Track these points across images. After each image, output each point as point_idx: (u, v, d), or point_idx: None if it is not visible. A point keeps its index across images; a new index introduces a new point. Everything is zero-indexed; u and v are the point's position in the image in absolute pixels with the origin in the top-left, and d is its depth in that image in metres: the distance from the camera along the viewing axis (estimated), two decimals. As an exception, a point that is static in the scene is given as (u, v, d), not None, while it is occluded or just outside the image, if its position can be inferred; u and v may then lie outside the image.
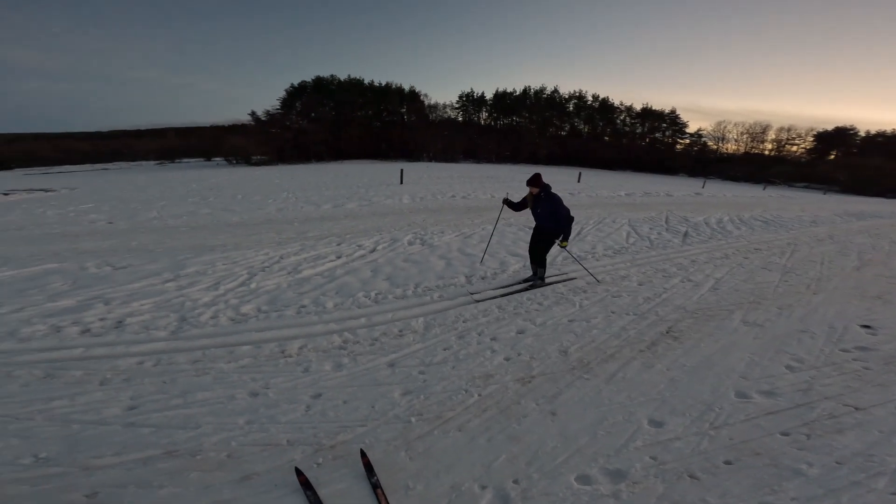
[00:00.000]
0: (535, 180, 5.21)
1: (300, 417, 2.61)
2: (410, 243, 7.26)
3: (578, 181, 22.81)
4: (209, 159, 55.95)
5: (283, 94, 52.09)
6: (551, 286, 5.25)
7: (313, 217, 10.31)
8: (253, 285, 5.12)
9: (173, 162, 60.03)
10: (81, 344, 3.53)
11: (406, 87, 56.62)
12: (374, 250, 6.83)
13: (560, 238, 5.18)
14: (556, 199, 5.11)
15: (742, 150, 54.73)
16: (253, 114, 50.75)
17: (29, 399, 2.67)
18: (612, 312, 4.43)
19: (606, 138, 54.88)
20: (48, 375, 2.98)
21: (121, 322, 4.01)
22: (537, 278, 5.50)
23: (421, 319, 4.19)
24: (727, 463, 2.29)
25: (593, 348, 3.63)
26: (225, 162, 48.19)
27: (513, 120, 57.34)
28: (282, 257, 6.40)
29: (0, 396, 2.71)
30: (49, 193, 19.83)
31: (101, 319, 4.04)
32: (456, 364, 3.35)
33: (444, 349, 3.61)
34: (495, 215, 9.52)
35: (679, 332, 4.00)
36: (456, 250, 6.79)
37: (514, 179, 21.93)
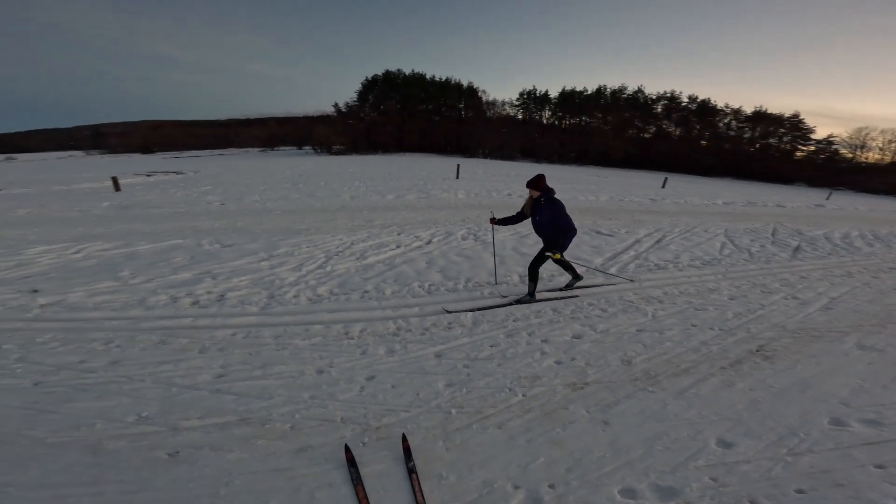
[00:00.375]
0: (536, 182, 4.50)
1: (354, 397, 2.72)
2: (464, 238, 7.17)
3: (663, 186, 20.48)
4: (300, 147, 60.48)
5: (359, 86, 54.18)
6: (617, 294, 4.82)
7: (379, 206, 10.64)
8: (328, 268, 5.44)
9: (273, 149, 66.04)
10: (191, 314, 4.01)
11: (465, 83, 55.73)
12: (429, 242, 6.87)
13: (554, 250, 4.49)
14: (558, 206, 4.45)
15: (888, 160, 44.76)
16: (336, 105, 53.54)
17: (144, 362, 3.08)
18: (693, 325, 4.00)
19: (703, 142, 48.51)
20: (162, 341, 3.42)
21: (223, 296, 4.51)
22: (527, 294, 4.72)
23: (470, 314, 4.11)
24: (799, 492, 1.99)
25: (664, 361, 3.30)
26: (312, 150, 51.86)
27: (581, 120, 53.22)
28: (352, 243, 6.71)
29: (123, 359, 3.13)
30: (179, 176, 22.87)
31: (208, 293, 4.58)
32: (502, 362, 3.26)
33: (491, 346, 3.53)
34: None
35: (772, 352, 3.51)
36: (510, 249, 6.57)
37: (578, 181, 20.67)
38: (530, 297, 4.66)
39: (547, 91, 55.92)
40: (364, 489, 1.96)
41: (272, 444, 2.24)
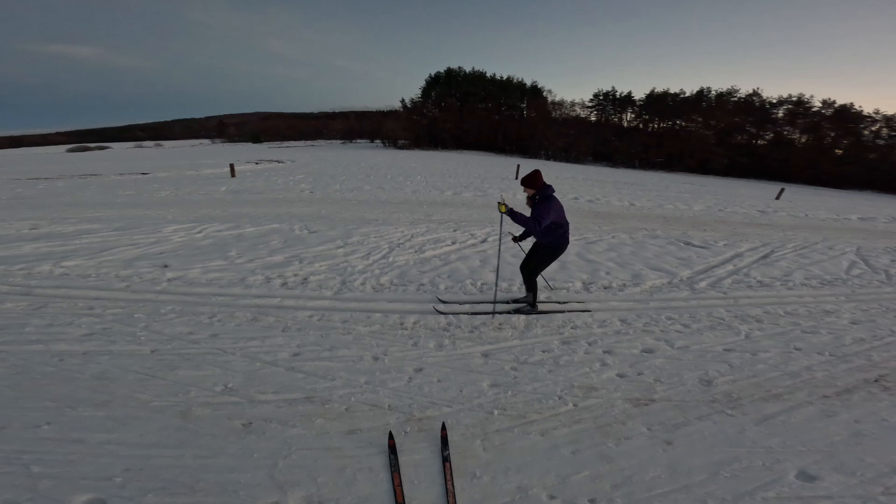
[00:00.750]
0: (530, 180, 3.87)
1: (402, 387, 2.80)
2: None
3: (777, 198, 17.46)
4: (373, 141, 62.93)
5: (423, 83, 53.93)
6: (705, 310, 4.34)
7: (437, 202, 10.65)
8: (390, 259, 5.62)
9: (352, 142, 69.53)
10: (279, 294, 4.39)
11: (528, 82, 52.99)
12: (484, 241, 6.71)
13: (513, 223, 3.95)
14: (547, 203, 3.77)
15: None
16: (402, 101, 54.43)
17: (237, 337, 3.43)
18: (797, 349, 3.54)
19: (838, 151, 40.16)
20: (254, 318, 3.79)
21: (306, 279, 4.90)
22: (525, 303, 4.21)
23: (522, 317, 3.98)
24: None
25: (751, 384, 2.98)
26: (382, 144, 53.71)
27: (675, 123, 46.91)
28: (412, 236, 6.83)
29: (221, 332, 3.51)
30: (279, 164, 25.07)
31: (295, 275, 4.99)
32: (554, 368, 3.13)
33: (543, 351, 3.39)
34: (631, 224, 8.38)
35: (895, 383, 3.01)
36: (574, 255, 6.17)
37: (665, 188, 18.48)
38: (531, 307, 4.15)
39: (630, 92, 50.74)
40: (400, 477, 2.01)
41: (328, 424, 2.39)
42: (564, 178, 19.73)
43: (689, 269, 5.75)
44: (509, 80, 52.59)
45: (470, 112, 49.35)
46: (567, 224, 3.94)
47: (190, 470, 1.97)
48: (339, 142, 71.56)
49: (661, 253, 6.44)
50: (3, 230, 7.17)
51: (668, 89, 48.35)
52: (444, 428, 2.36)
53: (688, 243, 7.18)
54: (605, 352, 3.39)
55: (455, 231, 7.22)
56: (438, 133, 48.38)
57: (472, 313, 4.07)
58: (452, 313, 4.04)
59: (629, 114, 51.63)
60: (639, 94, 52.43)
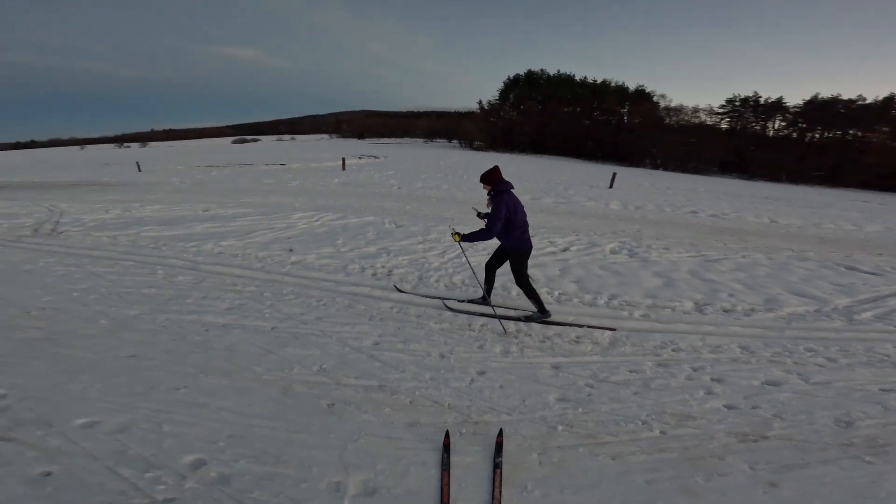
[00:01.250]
0: (487, 176, 3.68)
1: (464, 387, 2.85)
2: (614, 252, 6.26)
3: None
4: (450, 140, 62.62)
5: (501, 85, 51.47)
6: (863, 343, 3.65)
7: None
8: (463, 259, 5.63)
9: (432, 141, 70.18)
10: (370, 284, 4.75)
11: (631, 86, 47.33)
12: (566, 250, 6.27)
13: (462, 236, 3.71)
14: (500, 198, 3.58)
15: None
16: (480, 103, 52.77)
17: (335, 321, 3.79)
18: None
19: None
20: (349, 305, 4.17)
21: (391, 272, 5.18)
22: (537, 312, 3.91)
23: (608, 333, 3.69)
24: None
25: None
26: (458, 145, 53.16)
27: (846, 133, 37.80)
28: None
29: (324, 316, 3.89)
30: (376, 160, 26.62)
31: (383, 267, 5.33)
32: (642, 391, 2.86)
33: (631, 371, 3.11)
34: (771, 243, 7.24)
35: None
36: (686, 272, 5.44)
37: (829, 206, 14.94)
38: (540, 314, 3.92)
39: (781, 98, 42.62)
40: (449, 476, 2.07)
41: (394, 414, 2.54)
42: (679, 190, 16.95)
43: (848, 296, 4.77)
44: (604, 83, 47.92)
45: (553, 116, 45.82)
46: (525, 225, 3.76)
47: (279, 442, 2.27)
48: (422, 140, 73.55)
49: (810, 277, 5.41)
50: (185, 211, 8.97)
51: (839, 94, 39.30)
52: (500, 434, 2.34)
53: (852, 268, 5.92)
54: (713, 379, 3.02)
55: (531, 237, 6.98)
56: (516, 136, 45.93)
57: (478, 314, 4.03)
58: (461, 311, 4.07)
59: (777, 122, 43.52)
60: (792, 99, 44.11)
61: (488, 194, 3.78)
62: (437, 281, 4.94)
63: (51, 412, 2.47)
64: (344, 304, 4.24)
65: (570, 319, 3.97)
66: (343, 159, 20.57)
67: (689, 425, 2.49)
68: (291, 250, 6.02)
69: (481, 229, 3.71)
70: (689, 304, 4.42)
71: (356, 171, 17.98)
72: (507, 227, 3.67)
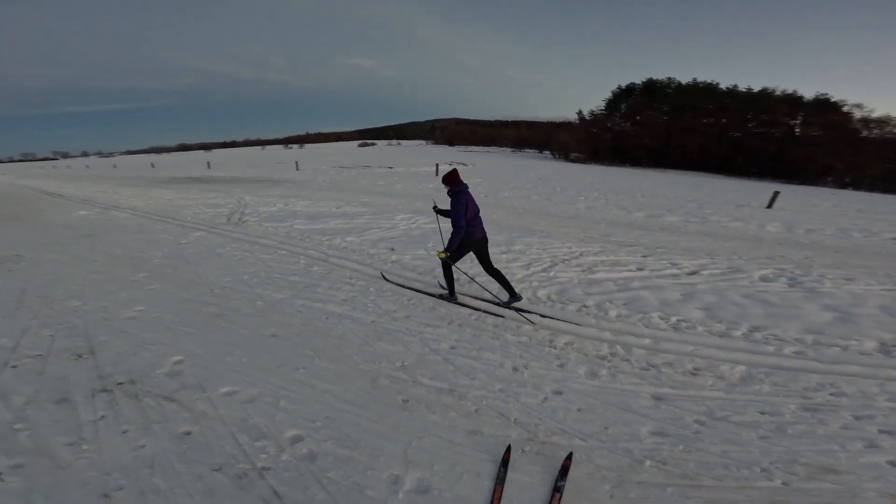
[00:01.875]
0: (448, 178, 4.14)
1: (535, 404, 2.74)
2: (766, 279, 5.22)
3: None
4: (541, 151, 58.07)
5: (609, 95, 45.69)
6: None
7: (621, 222, 8.98)
8: (551, 273, 5.31)
9: (520, 151, 66.18)
10: (465, 293, 4.75)
11: (807, 94, 37.34)
12: (694, 273, 5.41)
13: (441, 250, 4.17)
14: (457, 198, 4.02)
15: None
16: (579, 113, 47.64)
17: (420, 321, 3.92)
18: None
19: None
20: (433, 308, 4.30)
21: (472, 279, 5.08)
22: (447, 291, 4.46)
23: (741, 367, 3.20)
24: None
25: None
26: (551, 155, 49.05)
27: None
28: (581, 254, 6.16)
29: (412, 315, 4.06)
30: (464, 166, 26.57)
31: (465, 273, 5.45)
32: (772, 435, 2.46)
33: (763, 412, 2.67)
34: None
35: None
36: (874, 307, 4.38)
37: None
38: (449, 296, 4.43)
39: None
40: (502, 491, 2.05)
41: (458, 419, 2.59)
42: (877, 213, 12.53)
43: None
44: (765, 91, 39.15)
45: (686, 127, 39.17)
46: (477, 219, 4.21)
47: (360, 429, 2.51)
48: (509, 150, 70.76)
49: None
50: (324, 207, 10.35)
51: None
52: (569, 458, 2.22)
53: None
54: (882, 431, 2.50)
55: (645, 257, 6.17)
56: (628, 148, 40.54)
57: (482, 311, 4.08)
58: (471, 297, 4.04)
59: None
60: None
61: (448, 193, 4.16)
62: (519, 293, 4.82)
63: (207, 379, 2.99)
64: (429, 305, 4.44)
65: (688, 350, 3.51)
66: (437, 165, 21.29)
67: (827, 479, 2.08)
68: (393, 249, 6.52)
69: (452, 233, 4.08)
70: (870, 344, 3.60)
71: None
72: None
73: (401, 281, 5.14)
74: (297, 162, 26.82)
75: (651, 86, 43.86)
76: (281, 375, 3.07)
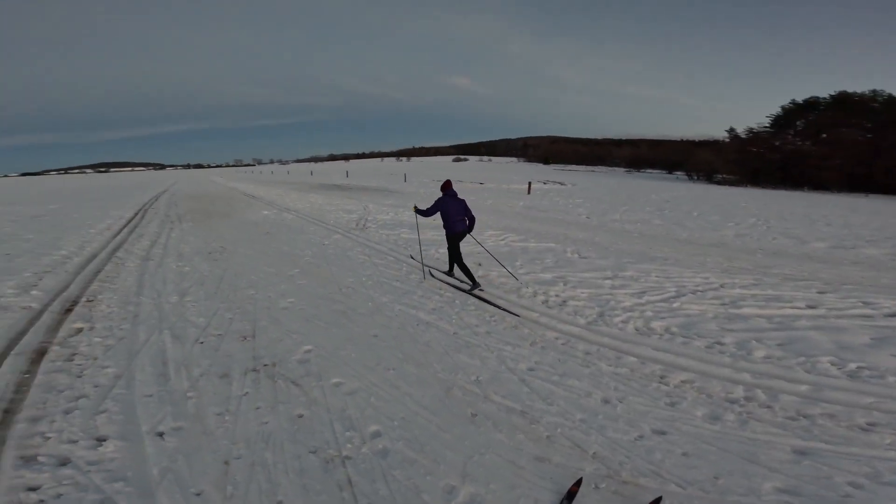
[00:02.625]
0: (443, 185, 5.66)
1: (625, 441, 2.47)
2: None
3: None
4: (671, 172, 50.07)
5: (775, 110, 37.41)
6: None
7: (789, 252, 7.39)
8: (675, 304, 4.67)
9: (638, 171, 58.05)
10: (539, 311, 4.61)
11: None
12: (894, 315, 4.25)
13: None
14: (438, 199, 5.45)
15: None
16: (731, 130, 39.44)
17: (499, 338, 3.86)
18: None
19: None
20: (514, 326, 4.18)
21: (565, 301, 4.90)
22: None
23: None
24: None
25: None
26: (685, 176, 41.81)
27: None
28: (722, 286, 5.27)
29: (492, 331, 3.98)
30: (561, 186, 24.84)
31: (557, 296, 5.08)
32: None
33: None
34: None
35: None
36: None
37: None
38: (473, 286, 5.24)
39: None
40: None
41: (525, 442, 2.46)
42: None
43: None
44: None
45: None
46: (456, 218, 5.41)
47: (428, 434, 2.55)
48: (622, 169, 63.29)
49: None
50: (421, 218, 10.73)
51: None
52: (658, 501, 1.98)
53: None
54: None
55: (823, 294, 5.16)
56: (806, 169, 32.93)
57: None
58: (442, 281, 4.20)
59: None
60: None
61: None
62: (623, 322, 4.28)
63: (325, 369, 3.30)
64: (510, 324, 4.34)
65: (866, 402, 2.87)
66: (529, 183, 20.71)
67: None
68: (480, 265, 6.56)
69: (428, 209, 5.54)
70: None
71: (540, 196, 17.77)
72: (443, 218, 5.45)
73: (480, 295, 5.13)
74: (405, 174, 29.33)
75: (844, 99, 35.33)
76: (377, 373, 3.27)
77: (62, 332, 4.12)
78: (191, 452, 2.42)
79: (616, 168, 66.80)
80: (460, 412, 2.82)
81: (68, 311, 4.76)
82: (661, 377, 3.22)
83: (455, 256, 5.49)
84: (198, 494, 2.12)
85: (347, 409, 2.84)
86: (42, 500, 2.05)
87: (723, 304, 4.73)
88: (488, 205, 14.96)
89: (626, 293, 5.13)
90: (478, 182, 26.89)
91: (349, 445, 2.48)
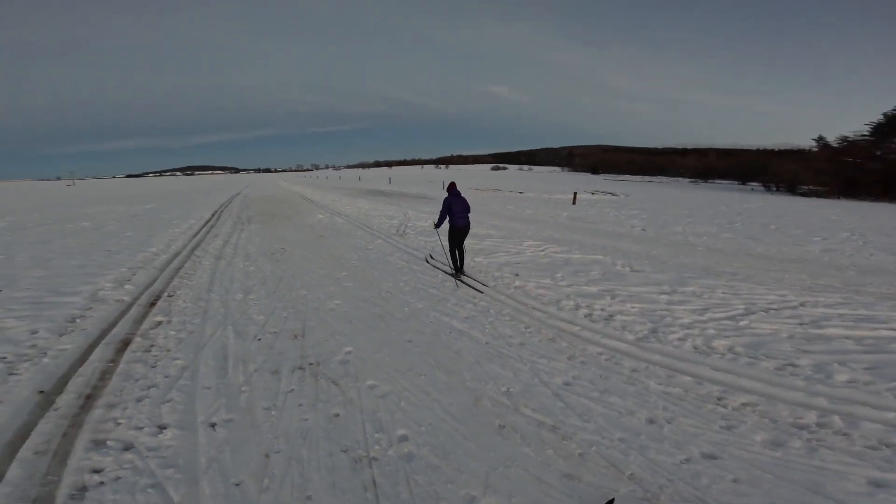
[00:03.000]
0: (448, 187, 6.48)
1: (668, 464, 2.28)
2: None
3: None
4: (744, 182, 44.77)
5: (877, 117, 32.24)
6: None
7: (889, 269, 6.50)
8: (742, 322, 4.26)
9: (706, 181, 52.64)
10: (581, 324, 4.39)
11: None
12: None
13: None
14: (446, 199, 6.29)
15: None
16: (820, 139, 34.66)
17: (533, 350, 3.74)
18: None
19: None
20: (551, 339, 4.04)
21: (611, 316, 4.60)
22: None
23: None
24: None
25: None
26: (762, 188, 37.27)
27: None
28: (802, 304, 4.74)
29: (526, 343, 3.86)
30: (613, 197, 23.32)
31: (602, 309, 4.78)
32: None
33: None
34: None
35: None
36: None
37: None
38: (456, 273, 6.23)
39: None
40: None
41: (555, 458, 2.35)
42: None
43: None
44: None
45: None
46: (460, 213, 6.22)
47: (453, 442, 2.51)
48: (686, 180, 57.97)
49: None
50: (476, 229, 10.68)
51: None
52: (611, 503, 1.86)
53: None
54: None
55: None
56: None
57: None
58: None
59: None
60: None
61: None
62: (680, 339, 3.98)
63: (362, 371, 3.38)
64: (547, 336, 4.16)
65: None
66: (574, 193, 19.83)
67: None
68: (517, 275, 6.37)
69: (439, 214, 6.35)
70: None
71: (587, 207, 16.88)
72: (449, 214, 6.20)
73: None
74: (443, 182, 29.71)
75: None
76: (408, 378, 3.30)
77: (145, 325, 4.58)
78: (237, 444, 2.56)
79: (679, 179, 61.77)
80: (487, 422, 2.75)
81: (152, 304, 5.32)
82: (719, 398, 2.95)
83: (454, 245, 6.23)
84: (237, 485, 2.24)
85: (378, 411, 2.89)
86: (102, 482, 2.27)
87: (801, 324, 4.23)
88: (527, 214, 14.56)
89: (686, 309, 4.72)
90: (517, 191, 26.42)
91: (377, 447, 2.52)
